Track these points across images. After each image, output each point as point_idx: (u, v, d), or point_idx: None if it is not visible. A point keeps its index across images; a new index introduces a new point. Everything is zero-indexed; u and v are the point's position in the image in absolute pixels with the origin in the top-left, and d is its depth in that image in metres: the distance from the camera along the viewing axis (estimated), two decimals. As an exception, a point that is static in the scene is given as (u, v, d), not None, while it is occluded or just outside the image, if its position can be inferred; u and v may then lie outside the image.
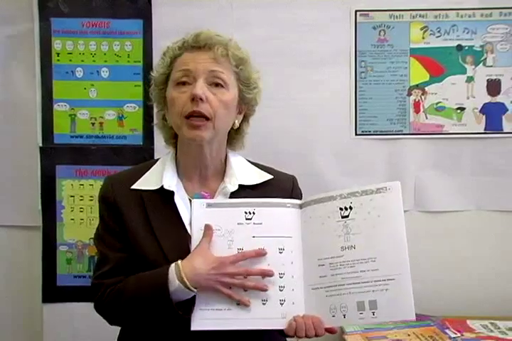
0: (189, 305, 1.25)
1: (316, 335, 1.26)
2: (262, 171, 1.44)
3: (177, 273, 1.23)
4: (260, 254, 1.27)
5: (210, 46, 1.31)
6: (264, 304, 1.26)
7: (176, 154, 1.42)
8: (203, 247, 1.26)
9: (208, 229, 1.28)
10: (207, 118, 1.30)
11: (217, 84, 1.32)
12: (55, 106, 2.17)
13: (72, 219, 2.19)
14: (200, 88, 1.28)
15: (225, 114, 1.33)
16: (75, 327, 2.18)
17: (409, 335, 1.91)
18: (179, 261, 1.25)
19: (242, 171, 1.40)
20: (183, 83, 1.31)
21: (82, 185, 2.19)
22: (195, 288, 1.23)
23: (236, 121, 1.39)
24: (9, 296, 2.26)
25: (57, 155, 2.18)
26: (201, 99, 1.28)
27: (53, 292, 2.19)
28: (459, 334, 1.92)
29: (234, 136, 1.44)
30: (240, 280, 1.26)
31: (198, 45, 1.32)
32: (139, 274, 1.31)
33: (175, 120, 1.33)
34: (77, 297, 2.17)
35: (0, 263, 2.25)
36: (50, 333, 2.19)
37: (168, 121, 1.38)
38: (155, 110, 1.48)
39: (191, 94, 1.28)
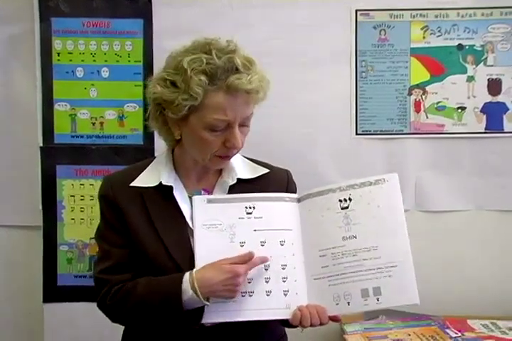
0: (199, 313, 1.27)
1: (321, 324, 1.27)
2: (258, 165, 1.46)
3: (191, 284, 1.25)
4: (265, 260, 1.29)
5: (248, 92, 1.26)
6: (268, 295, 1.28)
7: (172, 152, 1.43)
8: (219, 261, 1.27)
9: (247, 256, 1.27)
10: None
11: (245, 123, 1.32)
12: (56, 106, 2.18)
13: (73, 219, 2.19)
14: (240, 139, 1.29)
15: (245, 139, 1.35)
16: (75, 326, 2.18)
17: (409, 335, 1.91)
18: (194, 271, 1.26)
19: (239, 165, 1.42)
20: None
21: (83, 184, 2.19)
22: (207, 298, 1.25)
23: None
24: (10, 296, 2.27)
25: (57, 155, 2.18)
26: None
27: (54, 292, 2.19)
28: (459, 334, 1.92)
29: None
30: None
31: (232, 93, 1.25)
32: (150, 278, 1.31)
33: (202, 155, 1.33)
34: (77, 297, 2.17)
35: (0, 263, 2.26)
36: (51, 333, 2.19)
37: (187, 148, 1.36)
38: (151, 114, 1.39)
39: (230, 143, 1.28)
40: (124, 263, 1.34)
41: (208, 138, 1.28)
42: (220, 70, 1.25)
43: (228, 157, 1.34)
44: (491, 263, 2.21)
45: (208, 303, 1.25)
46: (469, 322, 2.04)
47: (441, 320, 2.05)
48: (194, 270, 1.27)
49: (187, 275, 1.26)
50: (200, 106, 1.26)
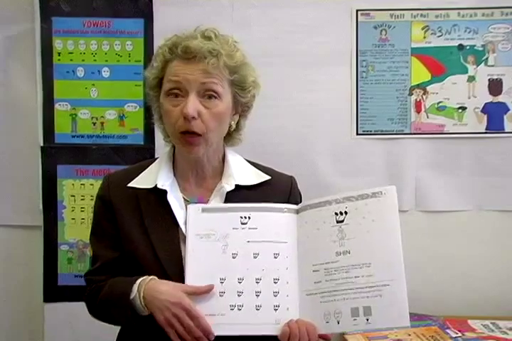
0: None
1: None
2: (260, 171, 1.42)
3: (139, 286, 1.24)
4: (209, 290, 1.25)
5: (200, 58, 1.26)
6: (258, 309, 1.24)
7: (173, 152, 1.42)
8: (180, 284, 1.25)
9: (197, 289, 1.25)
10: (199, 134, 1.29)
11: (210, 96, 1.28)
12: (56, 106, 2.18)
13: (73, 219, 2.19)
14: (192, 106, 1.25)
15: (219, 126, 1.31)
16: (76, 326, 2.18)
17: (410, 335, 1.91)
18: (150, 277, 1.26)
19: (239, 171, 1.39)
20: (175, 95, 1.28)
21: (83, 184, 2.19)
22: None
23: (232, 123, 1.38)
24: (10, 296, 2.27)
25: (58, 155, 2.18)
26: (193, 117, 1.26)
27: (54, 291, 2.19)
28: (460, 334, 1.92)
29: (231, 134, 1.42)
30: (182, 329, 1.21)
31: (187, 56, 1.27)
32: (117, 278, 1.33)
33: (170, 132, 1.33)
34: (78, 296, 2.11)
35: (1, 262, 2.26)
36: (51, 332, 2.19)
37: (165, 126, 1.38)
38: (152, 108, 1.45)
39: (183, 112, 1.26)
40: (109, 266, 1.35)
41: (168, 108, 1.29)
42: (180, 40, 1.29)
43: (192, 137, 1.28)
44: (491, 263, 2.21)
45: (145, 313, 1.23)
46: (470, 322, 2.03)
47: (441, 320, 2.05)
48: (151, 277, 1.26)
49: (144, 277, 1.26)
50: (163, 78, 1.31)
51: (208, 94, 1.28)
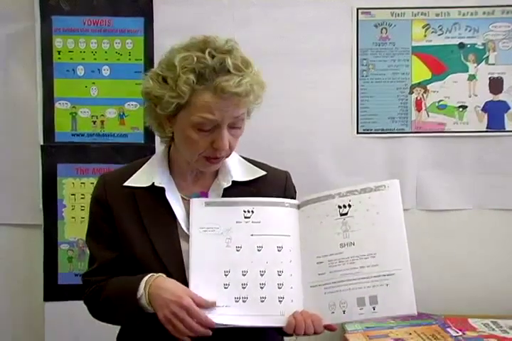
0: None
1: (315, 333, 1.24)
2: (256, 167, 1.42)
3: (146, 283, 1.24)
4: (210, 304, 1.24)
5: (236, 95, 1.21)
6: (262, 301, 1.25)
7: (169, 151, 1.41)
8: (184, 287, 1.24)
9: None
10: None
11: (237, 126, 1.27)
12: (56, 105, 2.18)
13: (73, 218, 2.19)
14: (226, 141, 1.25)
15: (237, 142, 1.31)
16: (76, 325, 2.17)
17: (410, 334, 1.91)
18: (157, 274, 1.25)
19: (235, 167, 1.39)
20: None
21: (83, 183, 2.19)
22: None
23: None
24: (10, 295, 2.27)
25: (58, 154, 2.18)
26: None
27: (55, 290, 2.19)
28: (460, 333, 1.93)
29: None
30: (182, 326, 1.20)
31: (222, 95, 1.21)
32: (119, 277, 1.32)
33: (189, 154, 1.30)
34: (78, 295, 2.10)
35: (1, 261, 2.26)
36: (52, 331, 2.19)
37: (177, 145, 1.34)
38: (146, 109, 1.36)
39: (217, 144, 1.24)
40: (107, 267, 1.35)
41: (195, 137, 1.25)
42: (209, 70, 1.21)
43: (217, 159, 1.29)
44: (492, 262, 2.21)
45: (150, 310, 1.23)
46: (470, 321, 2.04)
47: (442, 319, 2.05)
48: (159, 274, 1.25)
49: (148, 275, 1.25)
50: (187, 105, 1.24)
51: (237, 127, 1.27)
